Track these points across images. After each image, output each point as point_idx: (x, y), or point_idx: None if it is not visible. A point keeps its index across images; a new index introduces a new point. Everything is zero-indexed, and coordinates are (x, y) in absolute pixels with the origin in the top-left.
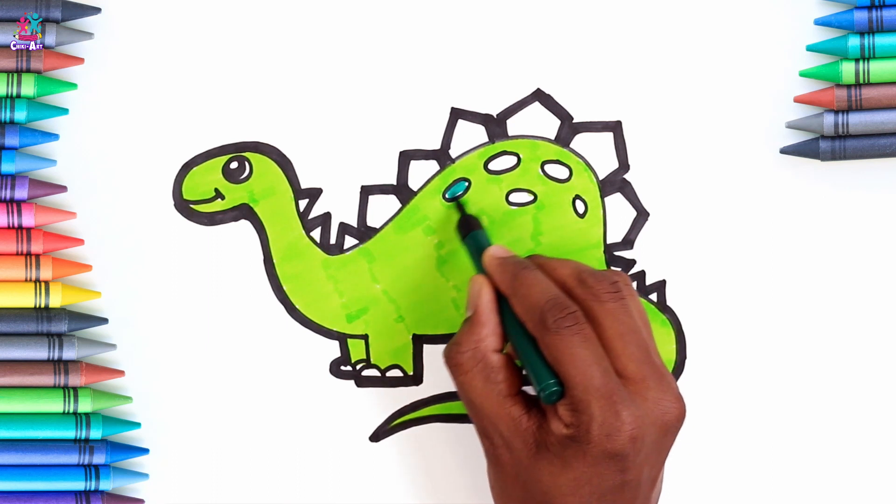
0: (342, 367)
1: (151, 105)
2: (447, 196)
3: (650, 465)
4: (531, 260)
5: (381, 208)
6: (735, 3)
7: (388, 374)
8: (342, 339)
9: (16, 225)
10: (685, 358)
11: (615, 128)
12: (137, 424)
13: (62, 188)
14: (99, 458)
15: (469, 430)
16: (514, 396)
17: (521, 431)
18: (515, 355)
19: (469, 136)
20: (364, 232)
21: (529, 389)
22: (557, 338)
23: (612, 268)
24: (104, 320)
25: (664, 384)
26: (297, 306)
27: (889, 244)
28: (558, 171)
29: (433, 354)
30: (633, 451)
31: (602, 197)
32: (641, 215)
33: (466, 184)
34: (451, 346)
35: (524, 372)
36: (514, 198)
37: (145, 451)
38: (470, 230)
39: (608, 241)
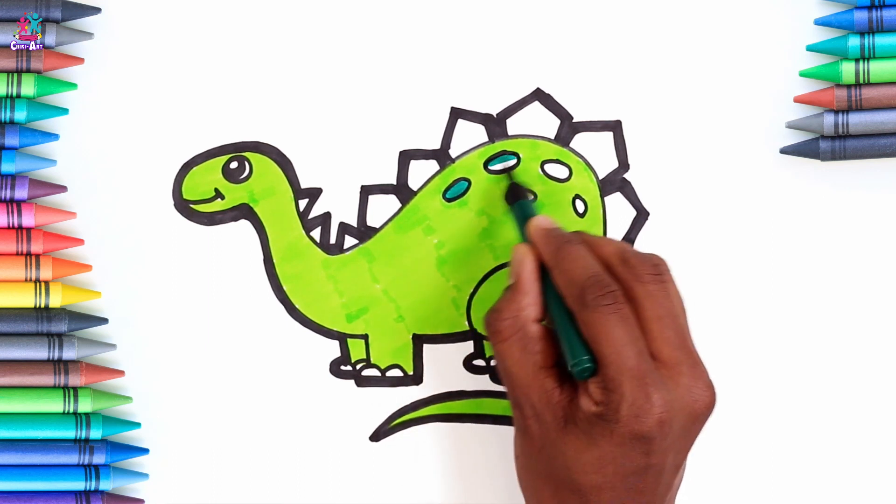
0: (342, 367)
1: (151, 105)
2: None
3: (675, 452)
4: (576, 235)
5: (381, 208)
6: (735, 3)
7: (388, 374)
8: (342, 338)
9: (16, 225)
10: None
11: (615, 127)
12: (137, 424)
13: (62, 188)
14: (99, 458)
15: (469, 430)
16: (550, 368)
17: (552, 404)
18: (553, 327)
19: (469, 135)
20: (364, 232)
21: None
22: (595, 315)
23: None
24: (104, 320)
25: (697, 371)
26: (297, 306)
27: (889, 244)
28: (558, 171)
29: (433, 354)
30: (660, 434)
31: (602, 196)
32: (641, 215)
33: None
34: (492, 313)
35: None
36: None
37: (145, 451)
38: (517, 199)
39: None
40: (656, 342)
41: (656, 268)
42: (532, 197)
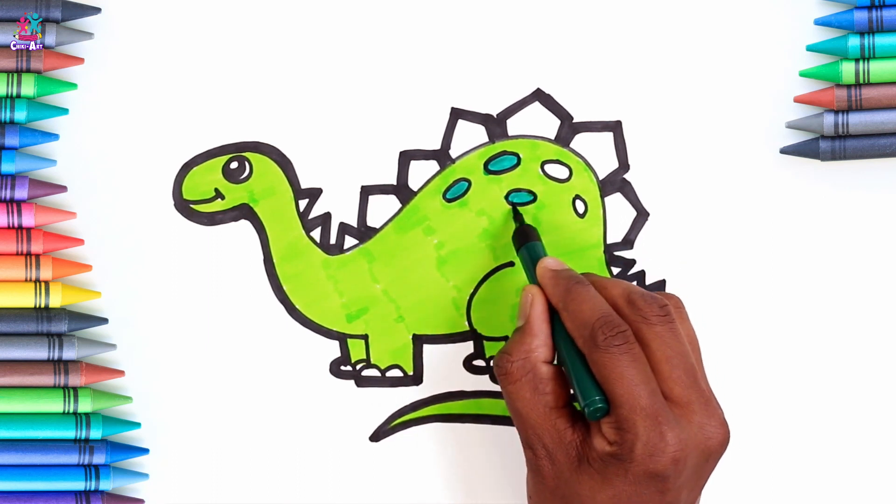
0: (342, 367)
1: (151, 105)
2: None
3: (689, 489)
4: (584, 276)
5: (381, 208)
6: (735, 3)
7: (388, 374)
8: (342, 339)
9: (16, 225)
10: None
11: (615, 128)
12: (137, 424)
13: (62, 188)
14: (99, 458)
15: (469, 430)
16: (561, 409)
17: (564, 444)
18: (564, 368)
19: (469, 136)
20: (364, 232)
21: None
22: (607, 356)
23: (667, 291)
24: (104, 320)
25: (710, 409)
26: (297, 306)
27: (889, 244)
28: (558, 171)
29: (433, 354)
30: (674, 472)
31: (602, 197)
32: (641, 215)
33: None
34: (502, 355)
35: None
36: (514, 198)
37: (145, 451)
38: (526, 241)
39: (608, 241)
40: (667, 382)
41: (663, 308)
42: (538, 238)
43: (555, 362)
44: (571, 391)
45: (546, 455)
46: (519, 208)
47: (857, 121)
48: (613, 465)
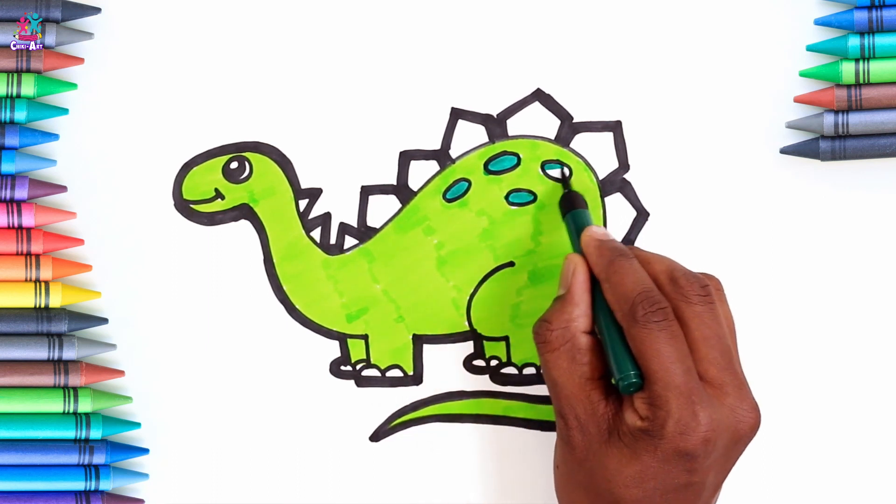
0: (342, 367)
1: (151, 105)
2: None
3: (716, 471)
4: (629, 249)
5: (381, 208)
6: (735, 3)
7: (388, 374)
8: (342, 339)
9: (16, 225)
10: None
11: (615, 128)
12: (137, 424)
13: (62, 188)
14: (99, 458)
15: (469, 430)
16: (596, 380)
17: (596, 416)
18: (601, 339)
19: (469, 136)
20: (364, 232)
21: None
22: (645, 331)
23: (706, 273)
24: (104, 320)
25: (743, 392)
26: (297, 306)
27: (889, 244)
28: (558, 172)
29: (433, 354)
30: (703, 452)
31: (602, 197)
32: (641, 215)
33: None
34: (541, 323)
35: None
36: (513, 198)
37: (145, 451)
38: (572, 207)
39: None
40: (703, 363)
41: (704, 289)
42: (585, 205)
43: (593, 333)
44: (607, 364)
45: (578, 426)
46: (518, 208)
47: (857, 121)
48: (643, 441)
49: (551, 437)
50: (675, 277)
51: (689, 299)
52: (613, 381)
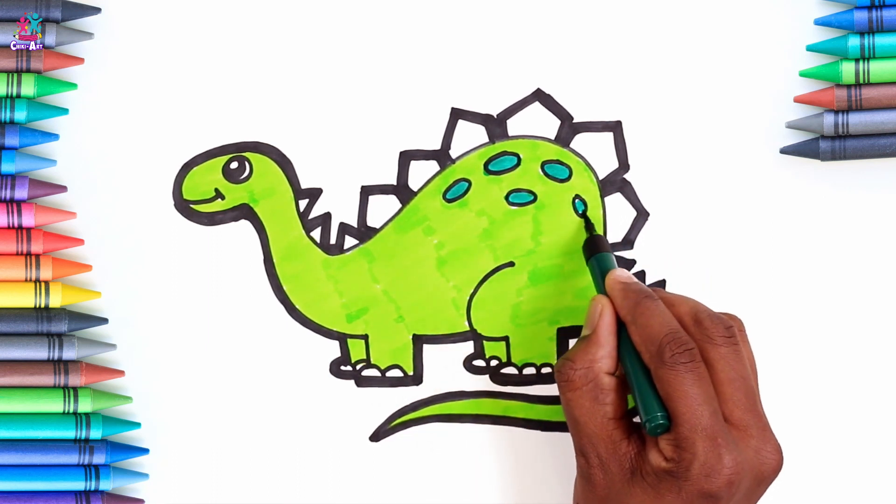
0: (342, 367)
1: (151, 105)
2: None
3: None
4: (653, 290)
5: (381, 208)
6: (735, 3)
7: (388, 374)
8: (342, 339)
9: (16, 225)
10: None
11: (615, 128)
12: (137, 424)
13: (62, 188)
14: (99, 458)
15: (469, 430)
16: (619, 420)
17: (619, 455)
18: (626, 379)
19: (469, 136)
20: (364, 232)
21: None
22: (672, 373)
23: (729, 313)
24: (104, 320)
25: (766, 434)
26: (297, 306)
27: (889, 244)
28: (558, 171)
29: (433, 354)
30: (727, 494)
31: (602, 197)
32: (641, 215)
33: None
34: (565, 362)
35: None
36: (514, 198)
37: (145, 451)
38: (595, 251)
39: (608, 241)
40: (728, 404)
41: (729, 330)
42: (608, 248)
43: (616, 374)
44: (630, 405)
45: (599, 464)
46: (518, 208)
47: (857, 121)
48: (667, 482)
49: (551, 437)
50: (699, 319)
51: (714, 340)
52: (641, 423)
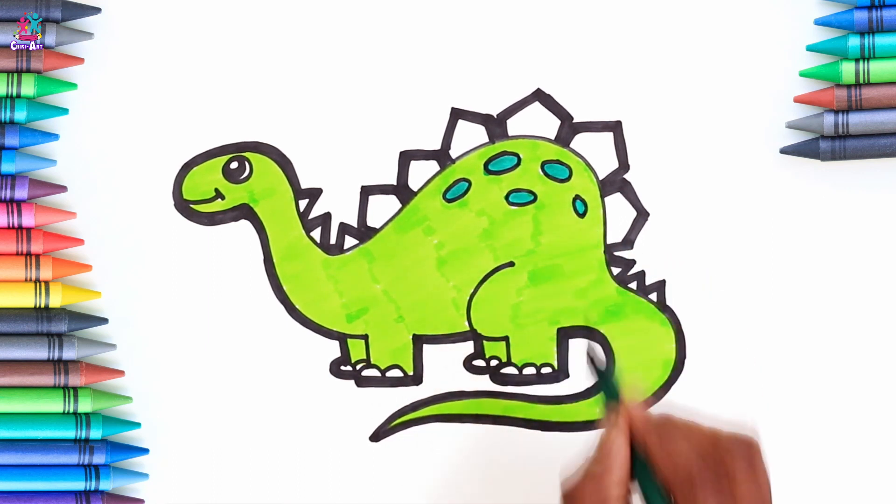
0: (342, 367)
1: (151, 105)
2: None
3: None
4: (664, 418)
5: (381, 208)
6: (735, 3)
7: (388, 374)
8: (342, 339)
9: (16, 225)
10: (685, 357)
11: (615, 128)
12: (137, 424)
13: (62, 188)
14: (99, 458)
15: (469, 430)
16: None
17: None
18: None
19: (469, 136)
20: (364, 232)
21: None
22: (701, 495)
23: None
24: (104, 320)
25: None
26: (297, 306)
27: (889, 244)
28: (558, 171)
29: (433, 354)
30: None
31: (602, 197)
32: (641, 215)
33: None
34: (572, 481)
35: None
36: (514, 198)
37: (145, 451)
38: (608, 390)
39: (608, 241)
40: None
41: (749, 449)
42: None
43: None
44: None
45: None
46: (518, 208)
47: (857, 121)
48: None
49: (551, 437)
50: (718, 443)
51: (735, 461)
52: None
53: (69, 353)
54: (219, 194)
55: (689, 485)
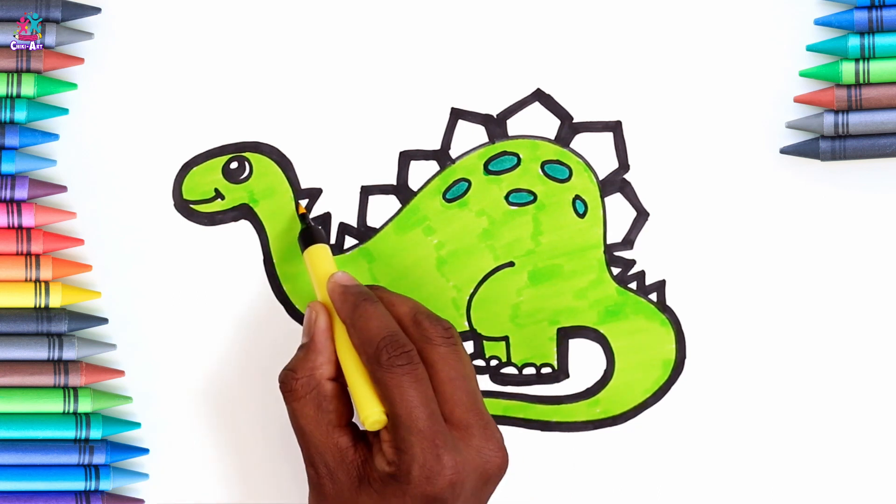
0: None
1: (151, 105)
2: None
3: None
4: (374, 291)
5: (381, 208)
6: (735, 3)
7: None
8: None
9: (16, 225)
10: (685, 357)
11: (615, 128)
12: (137, 424)
13: (62, 188)
14: (99, 458)
15: None
16: (343, 427)
17: (346, 463)
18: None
19: (469, 136)
20: (364, 232)
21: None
22: (389, 375)
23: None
24: (104, 320)
25: (488, 433)
26: (297, 306)
27: (889, 244)
28: (558, 171)
29: None
30: (451, 496)
31: (602, 197)
32: (641, 215)
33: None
34: (286, 372)
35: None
36: (514, 198)
37: (145, 451)
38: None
39: (608, 241)
40: (448, 404)
41: (448, 330)
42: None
43: (338, 380)
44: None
45: (328, 473)
46: (518, 208)
47: (857, 121)
48: (392, 486)
49: (551, 437)
50: (418, 320)
51: (433, 341)
52: (360, 422)
53: (69, 353)
54: (219, 194)
55: (376, 362)
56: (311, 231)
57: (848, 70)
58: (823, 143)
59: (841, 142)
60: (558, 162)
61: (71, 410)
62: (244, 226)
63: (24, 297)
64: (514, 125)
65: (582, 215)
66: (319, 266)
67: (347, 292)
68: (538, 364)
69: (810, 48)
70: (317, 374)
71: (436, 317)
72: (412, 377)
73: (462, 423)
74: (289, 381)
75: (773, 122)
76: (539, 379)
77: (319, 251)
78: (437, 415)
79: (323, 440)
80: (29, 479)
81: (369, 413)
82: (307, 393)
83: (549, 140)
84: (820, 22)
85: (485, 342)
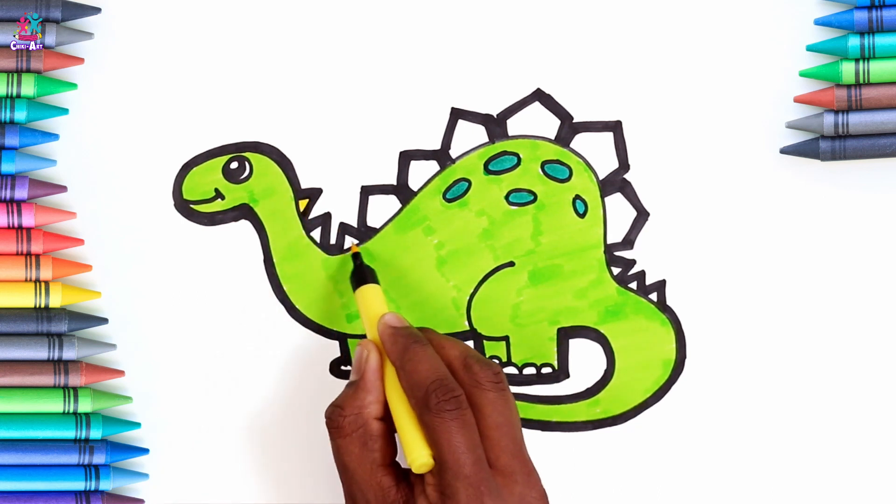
0: (342, 367)
1: (151, 105)
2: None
3: None
4: (424, 333)
5: (381, 208)
6: (735, 3)
7: None
8: (342, 339)
9: (16, 225)
10: (685, 357)
11: (615, 128)
12: (137, 424)
13: (62, 188)
14: (99, 458)
15: None
16: (387, 467)
17: (388, 502)
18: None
19: (469, 136)
20: (364, 232)
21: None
22: (437, 419)
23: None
24: (104, 320)
25: (532, 481)
26: (297, 306)
27: (889, 244)
28: (558, 171)
29: None
30: None
31: (602, 197)
32: (641, 215)
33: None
34: (333, 409)
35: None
36: (514, 198)
37: (145, 451)
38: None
39: (608, 241)
40: (494, 450)
41: (497, 375)
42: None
43: (384, 419)
44: (399, 449)
45: None
46: (518, 208)
47: (857, 121)
48: None
49: (551, 437)
50: (469, 364)
51: (483, 386)
52: (408, 464)
53: (69, 353)
54: (219, 194)
55: (424, 406)
56: (363, 271)
57: (848, 70)
58: (823, 143)
59: (841, 142)
60: (558, 162)
61: (71, 410)
62: (244, 226)
63: (24, 297)
64: (514, 125)
65: (582, 215)
66: (370, 306)
67: (398, 334)
68: (538, 364)
69: (810, 48)
70: (364, 413)
71: (486, 360)
72: (460, 422)
73: (507, 470)
74: (336, 418)
75: (773, 122)
76: (539, 379)
77: (371, 291)
78: (483, 461)
79: (366, 478)
80: (29, 479)
81: (417, 456)
82: (354, 431)
83: (549, 140)
84: (820, 22)
85: (485, 342)
